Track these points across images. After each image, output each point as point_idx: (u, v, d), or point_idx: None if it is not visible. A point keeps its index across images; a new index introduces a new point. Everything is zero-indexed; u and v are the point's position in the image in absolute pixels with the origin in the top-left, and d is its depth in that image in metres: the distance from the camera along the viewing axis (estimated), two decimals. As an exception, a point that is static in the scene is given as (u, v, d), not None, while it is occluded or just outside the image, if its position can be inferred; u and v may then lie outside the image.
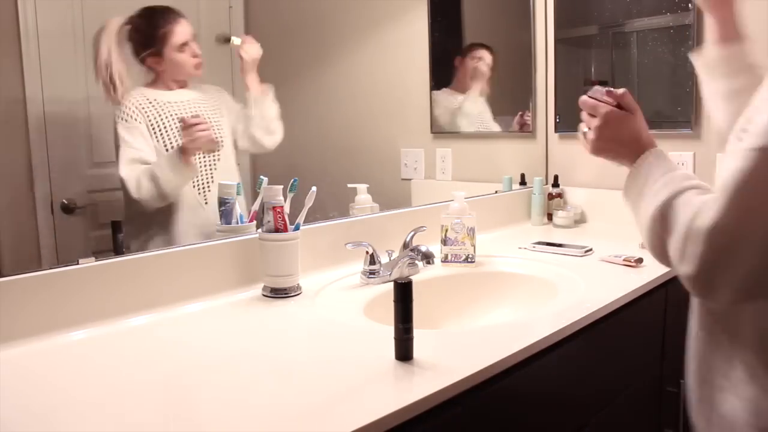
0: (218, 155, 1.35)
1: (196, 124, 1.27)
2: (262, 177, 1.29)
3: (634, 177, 0.88)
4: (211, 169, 1.34)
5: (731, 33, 0.98)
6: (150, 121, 1.25)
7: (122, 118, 1.22)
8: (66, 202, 1.15)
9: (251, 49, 1.39)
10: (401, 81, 1.82)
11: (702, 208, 0.70)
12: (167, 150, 1.26)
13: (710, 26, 0.99)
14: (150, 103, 1.26)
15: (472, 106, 2.04)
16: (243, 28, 1.42)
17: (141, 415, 0.75)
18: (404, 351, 0.87)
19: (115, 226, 1.20)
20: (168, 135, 1.27)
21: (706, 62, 1.01)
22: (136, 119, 1.23)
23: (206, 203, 1.33)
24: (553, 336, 1.00)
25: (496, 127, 2.08)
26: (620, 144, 0.91)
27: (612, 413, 1.26)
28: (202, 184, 1.33)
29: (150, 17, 1.25)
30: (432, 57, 1.87)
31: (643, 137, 0.91)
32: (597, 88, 0.95)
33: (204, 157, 1.33)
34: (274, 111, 1.43)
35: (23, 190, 1.10)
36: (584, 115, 0.95)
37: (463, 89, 1.99)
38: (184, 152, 1.26)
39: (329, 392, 0.79)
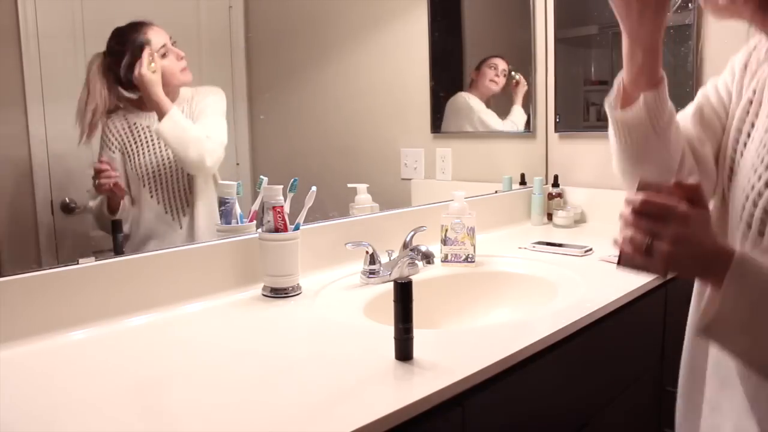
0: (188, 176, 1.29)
1: (100, 171, 1.19)
2: (262, 177, 1.29)
3: (739, 297, 0.67)
4: (185, 192, 1.29)
5: (658, 70, 0.83)
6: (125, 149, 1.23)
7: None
8: (66, 201, 1.15)
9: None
10: (401, 81, 1.82)
11: None
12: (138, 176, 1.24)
13: (634, 58, 0.81)
14: (130, 128, 1.23)
15: (518, 118, 2.12)
16: (243, 28, 1.42)
17: (140, 414, 0.75)
18: (404, 351, 0.87)
19: (115, 226, 1.20)
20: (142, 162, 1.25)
21: (633, 119, 0.84)
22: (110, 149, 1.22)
23: (181, 228, 1.29)
24: (553, 336, 1.00)
25: (496, 127, 2.08)
26: (705, 254, 0.68)
27: (612, 413, 1.26)
28: (176, 207, 1.29)
29: (122, 33, 1.19)
30: (432, 57, 1.87)
31: (719, 242, 0.70)
32: (650, 183, 0.70)
33: (177, 179, 1.28)
34: (183, 131, 1.26)
35: (23, 189, 1.10)
36: (638, 221, 0.68)
37: (482, 95, 2.03)
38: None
39: (329, 392, 0.79)
